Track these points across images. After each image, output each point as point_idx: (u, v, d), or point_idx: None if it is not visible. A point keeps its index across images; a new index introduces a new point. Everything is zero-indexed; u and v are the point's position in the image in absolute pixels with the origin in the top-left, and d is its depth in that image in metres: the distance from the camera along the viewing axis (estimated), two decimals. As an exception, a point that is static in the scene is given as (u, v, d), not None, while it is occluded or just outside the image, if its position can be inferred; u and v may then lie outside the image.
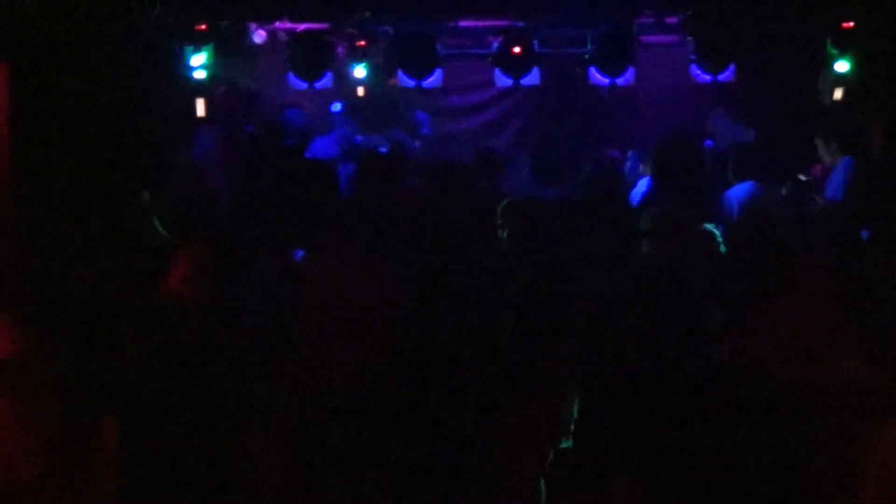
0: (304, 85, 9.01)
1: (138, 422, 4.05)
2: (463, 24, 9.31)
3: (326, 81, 9.11)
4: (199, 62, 8.44)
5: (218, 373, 4.24)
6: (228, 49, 8.75)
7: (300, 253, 5.59)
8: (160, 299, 4.38)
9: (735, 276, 4.22)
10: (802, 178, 8.06)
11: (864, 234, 5.60)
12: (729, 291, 4.12)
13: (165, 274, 4.43)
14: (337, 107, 9.57)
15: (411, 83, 9.21)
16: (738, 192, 7.00)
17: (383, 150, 8.81)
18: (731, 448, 2.99)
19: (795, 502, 2.76)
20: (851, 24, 8.30)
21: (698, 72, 9.00)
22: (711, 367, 3.64)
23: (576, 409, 3.78)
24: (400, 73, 9.20)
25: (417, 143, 9.70)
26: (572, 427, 3.75)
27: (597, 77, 9.10)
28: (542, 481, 3.64)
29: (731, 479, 3.01)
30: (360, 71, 9.29)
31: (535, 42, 9.16)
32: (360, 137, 9.29)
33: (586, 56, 9.08)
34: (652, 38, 9.31)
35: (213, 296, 4.40)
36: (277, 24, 9.07)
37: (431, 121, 9.95)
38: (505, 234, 5.66)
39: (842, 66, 8.51)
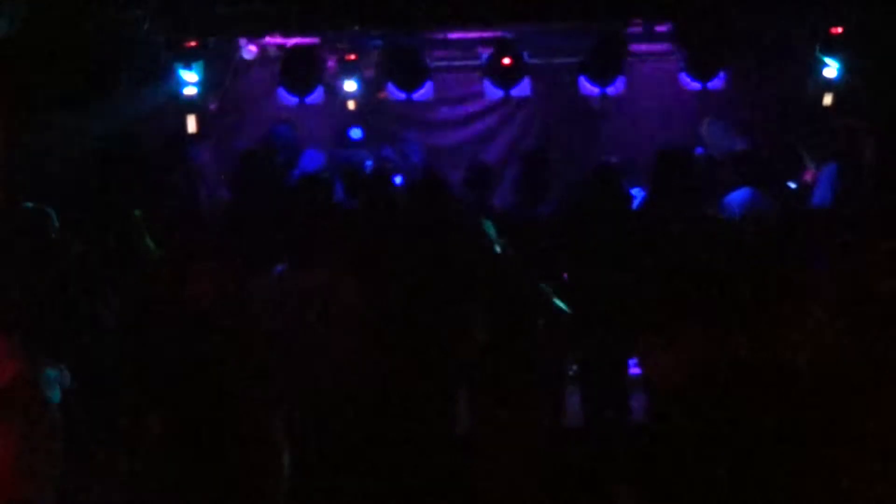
0: (295, 100, 9.00)
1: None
2: (452, 35, 9.31)
3: (317, 96, 9.11)
4: (189, 79, 8.44)
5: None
6: (219, 65, 8.76)
7: (280, 268, 5.59)
8: (183, 311, 4.44)
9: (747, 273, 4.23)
10: (792, 185, 8.08)
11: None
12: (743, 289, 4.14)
13: (184, 288, 4.50)
14: (357, 133, 9.43)
15: (401, 96, 9.21)
16: (739, 196, 7.02)
17: (369, 163, 8.82)
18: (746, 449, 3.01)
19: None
20: (840, 29, 8.31)
21: (688, 80, 9.03)
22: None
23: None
24: (390, 86, 9.21)
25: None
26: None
27: (587, 87, 9.11)
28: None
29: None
30: (350, 85, 9.28)
31: (525, 53, 9.17)
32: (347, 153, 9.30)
33: (576, 66, 9.11)
34: (642, 48, 9.33)
35: (227, 307, 4.49)
36: (267, 39, 9.07)
37: (421, 147, 9.88)
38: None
39: (831, 71, 8.53)
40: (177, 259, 5.03)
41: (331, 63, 9.26)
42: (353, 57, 9.21)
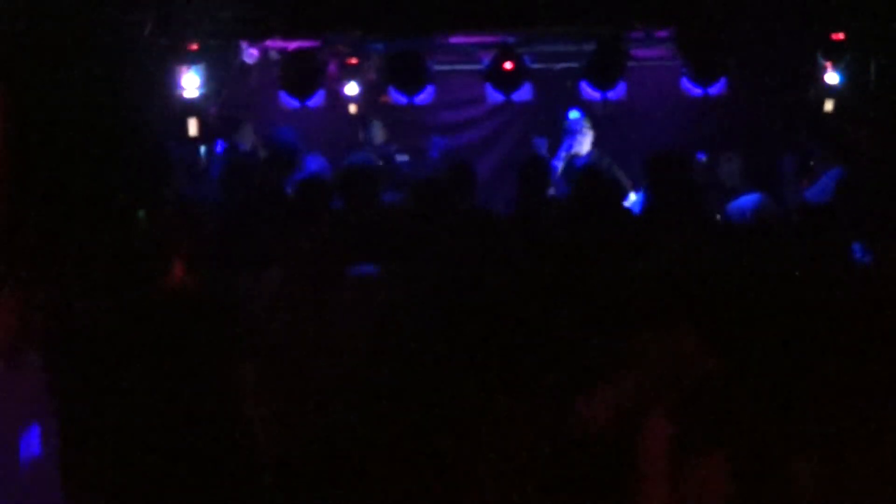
0: (296, 103, 9.01)
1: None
2: (454, 40, 9.33)
3: (318, 99, 9.13)
4: (191, 82, 8.45)
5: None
6: (220, 68, 8.77)
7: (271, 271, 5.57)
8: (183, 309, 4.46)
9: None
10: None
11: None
12: None
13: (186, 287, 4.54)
14: (576, 115, 9.17)
15: (403, 100, 9.23)
16: (748, 202, 6.98)
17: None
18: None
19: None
20: (841, 35, 8.32)
21: (689, 85, 9.03)
22: None
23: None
24: (391, 90, 9.22)
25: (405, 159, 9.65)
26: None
27: (589, 92, 9.12)
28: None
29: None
30: (351, 88, 9.29)
31: (527, 57, 9.19)
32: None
33: (578, 71, 9.13)
34: (643, 53, 9.34)
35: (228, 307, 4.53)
36: (269, 42, 9.08)
37: (442, 146, 9.84)
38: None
39: (832, 77, 8.53)
40: (179, 259, 5.03)
41: (332, 67, 9.27)
42: (354, 61, 9.23)
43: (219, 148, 8.50)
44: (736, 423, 3.43)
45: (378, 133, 9.45)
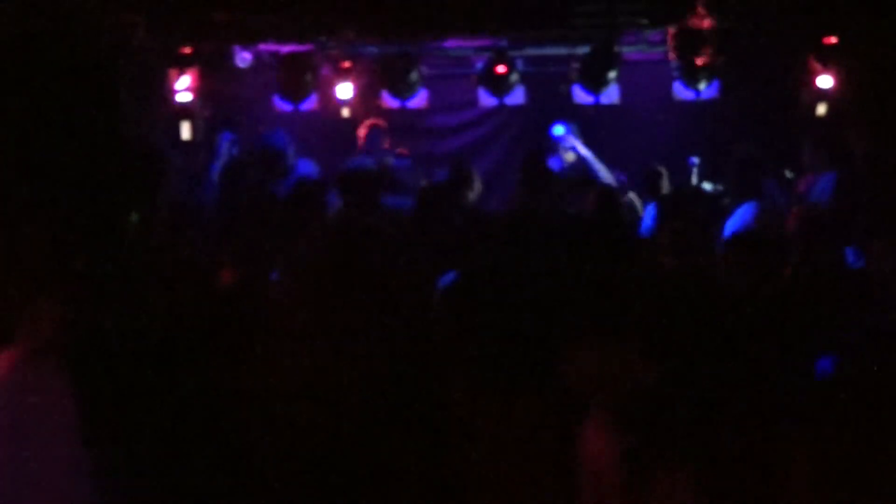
0: (290, 106, 9.01)
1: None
2: (447, 44, 9.33)
3: (311, 103, 9.13)
4: (183, 85, 8.45)
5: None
6: (213, 72, 8.77)
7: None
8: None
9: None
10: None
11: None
12: None
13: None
14: (560, 130, 8.56)
15: (395, 104, 9.22)
16: (742, 216, 6.91)
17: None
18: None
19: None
20: (833, 38, 8.35)
21: (682, 89, 9.04)
22: None
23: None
24: (384, 93, 9.21)
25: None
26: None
27: (581, 96, 9.12)
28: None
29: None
30: (344, 92, 9.27)
31: (520, 61, 9.19)
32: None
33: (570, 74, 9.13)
34: (636, 56, 9.34)
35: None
36: (262, 46, 9.08)
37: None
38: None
39: (825, 80, 8.54)
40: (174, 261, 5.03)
41: (325, 70, 9.26)
42: (347, 64, 9.22)
43: (224, 138, 8.44)
44: (697, 438, 3.40)
45: (380, 140, 9.44)
